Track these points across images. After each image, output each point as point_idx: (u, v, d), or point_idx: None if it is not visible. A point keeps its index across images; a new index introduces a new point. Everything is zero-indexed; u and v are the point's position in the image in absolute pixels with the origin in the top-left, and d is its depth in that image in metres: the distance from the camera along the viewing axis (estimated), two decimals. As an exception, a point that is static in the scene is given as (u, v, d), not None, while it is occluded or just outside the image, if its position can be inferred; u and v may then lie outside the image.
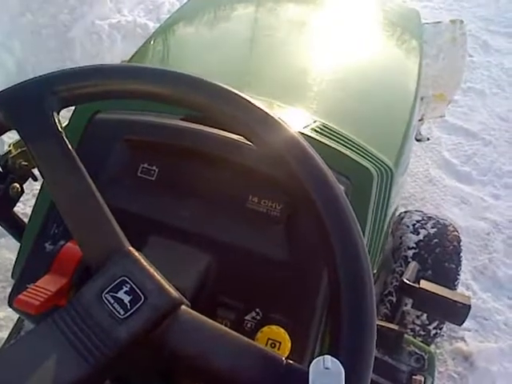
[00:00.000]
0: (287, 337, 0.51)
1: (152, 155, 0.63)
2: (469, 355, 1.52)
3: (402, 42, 1.24)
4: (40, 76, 0.49)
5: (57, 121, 0.47)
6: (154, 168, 0.62)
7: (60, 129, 0.47)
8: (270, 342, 0.52)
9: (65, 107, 0.50)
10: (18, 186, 0.79)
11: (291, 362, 0.39)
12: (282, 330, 0.52)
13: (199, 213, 0.60)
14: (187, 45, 1.08)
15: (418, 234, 1.28)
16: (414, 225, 1.31)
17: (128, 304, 0.41)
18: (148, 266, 0.43)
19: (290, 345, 0.51)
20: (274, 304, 0.56)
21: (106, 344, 0.39)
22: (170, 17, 1.31)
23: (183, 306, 0.42)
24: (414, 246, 1.26)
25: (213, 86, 0.49)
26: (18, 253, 0.66)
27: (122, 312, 0.40)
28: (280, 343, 0.51)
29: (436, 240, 1.27)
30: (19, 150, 0.79)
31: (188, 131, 0.62)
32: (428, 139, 1.93)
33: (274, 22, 1.18)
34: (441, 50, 1.74)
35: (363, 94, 0.91)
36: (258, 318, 0.55)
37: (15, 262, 0.65)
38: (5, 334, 1.43)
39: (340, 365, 0.36)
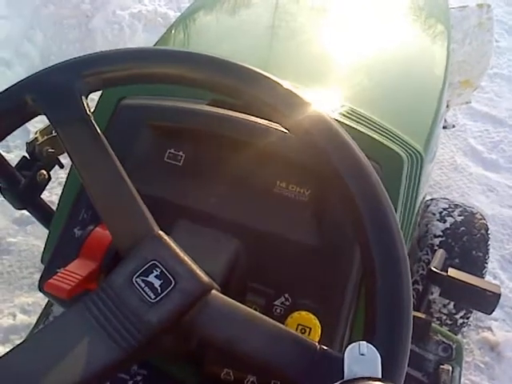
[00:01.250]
0: (317, 322, 0.51)
1: (178, 140, 0.62)
2: (495, 345, 1.50)
3: (430, 26, 1.21)
4: (68, 60, 0.49)
5: (85, 105, 0.47)
6: (181, 153, 0.62)
7: (89, 113, 0.46)
8: (300, 327, 0.51)
9: (93, 91, 0.50)
10: (44, 172, 0.79)
11: (325, 347, 0.39)
12: (312, 316, 0.51)
13: (227, 198, 0.60)
14: (210, 32, 1.07)
15: (445, 221, 1.26)
16: (440, 212, 1.29)
17: (158, 288, 0.40)
18: (178, 250, 0.42)
19: (320, 331, 0.51)
20: (304, 289, 0.55)
21: (137, 328, 0.39)
22: (192, 5, 1.30)
23: (213, 291, 0.42)
24: (441, 234, 1.24)
25: (248, 70, 0.48)
26: (47, 238, 0.67)
27: (152, 296, 0.40)
28: (310, 329, 0.51)
29: (463, 228, 1.25)
30: (45, 138, 0.79)
31: (214, 116, 0.62)
32: (454, 126, 1.90)
33: (296, 7, 1.16)
34: (467, 35, 1.70)
35: (391, 80, 0.90)
36: (288, 303, 0.55)
37: (44, 248, 0.66)
38: (33, 320, 1.46)
39: (376, 351, 0.36)
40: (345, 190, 0.43)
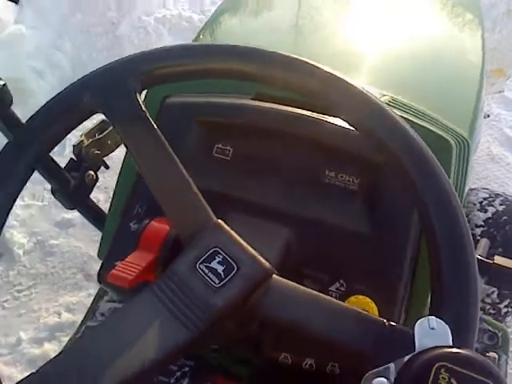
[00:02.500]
0: (374, 306, 0.51)
1: (226, 135, 0.64)
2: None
3: (462, 14, 1.20)
4: (122, 58, 0.51)
5: (140, 102, 0.49)
6: (229, 147, 0.63)
7: (144, 109, 0.48)
8: None
9: (146, 88, 0.52)
10: (92, 173, 0.81)
11: (393, 323, 0.39)
12: (370, 300, 0.52)
13: (277, 189, 0.61)
14: (243, 30, 1.08)
15: (486, 211, 1.24)
16: (480, 202, 1.27)
17: (222, 274, 0.42)
18: (238, 237, 0.44)
19: (377, 314, 0.51)
20: (358, 275, 0.56)
21: (204, 312, 0.40)
22: (219, 6, 1.31)
23: (275, 276, 0.43)
24: (482, 224, 1.22)
25: (306, 64, 0.49)
26: (103, 234, 0.69)
27: (216, 281, 0.41)
28: (368, 312, 0.51)
29: (505, 217, 1.23)
30: (90, 140, 0.81)
31: (260, 110, 0.63)
32: (488, 116, 1.87)
33: (321, 1, 1.16)
34: (496, 23, 1.68)
35: (430, 67, 0.89)
36: (343, 289, 0.56)
37: (101, 242, 0.68)
38: (77, 318, 1.51)
39: (445, 325, 0.36)
40: (417, 193, 0.44)
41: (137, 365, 0.38)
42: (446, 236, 0.41)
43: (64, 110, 0.50)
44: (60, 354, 0.40)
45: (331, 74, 0.49)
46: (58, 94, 0.51)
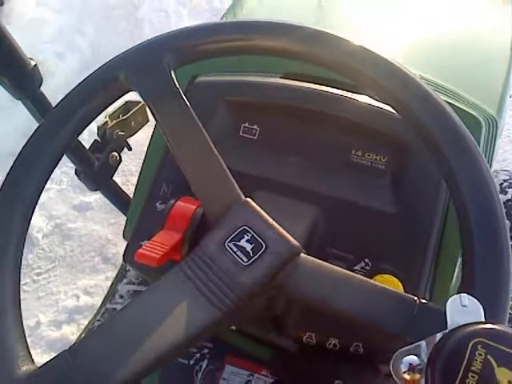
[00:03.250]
0: (400, 285, 0.51)
1: (253, 115, 0.64)
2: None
3: None
4: (156, 36, 0.51)
5: (174, 78, 0.49)
6: (256, 127, 0.64)
7: (178, 86, 0.48)
8: None
9: (182, 65, 0.51)
10: (116, 154, 0.83)
11: (424, 301, 0.39)
12: (395, 279, 0.52)
13: (303, 168, 0.61)
14: (269, 9, 1.06)
15: (506, 193, 1.24)
16: (501, 184, 1.26)
17: (250, 252, 0.42)
18: (266, 216, 0.44)
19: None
20: (383, 254, 0.56)
21: (233, 290, 0.41)
22: None
23: (302, 254, 0.43)
24: (503, 205, 1.22)
25: (345, 42, 0.49)
26: (128, 214, 0.70)
27: (245, 259, 0.42)
28: None
29: (525, 199, 1.22)
30: (115, 121, 0.82)
31: (287, 88, 0.63)
32: (511, 96, 1.83)
33: None
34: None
35: (458, 46, 0.88)
36: (368, 268, 0.56)
37: (126, 223, 0.69)
38: (95, 301, 1.53)
39: (478, 302, 0.36)
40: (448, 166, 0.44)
41: (167, 343, 0.39)
42: (479, 214, 0.40)
43: (98, 89, 0.50)
44: (91, 332, 0.41)
45: (371, 51, 0.49)
46: (92, 73, 0.51)
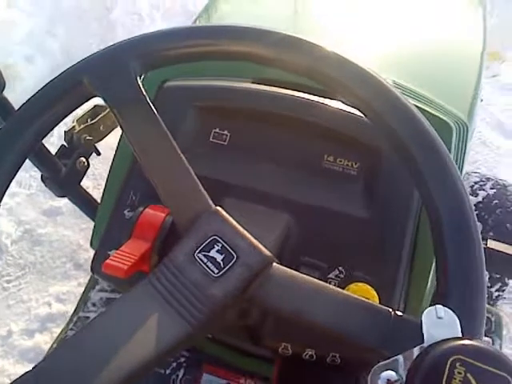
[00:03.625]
0: (375, 293, 0.51)
1: (223, 120, 0.63)
2: (531, 318, 1.48)
3: None
4: (122, 41, 0.49)
5: (141, 85, 0.47)
6: (226, 132, 0.63)
7: (144, 93, 0.47)
8: None
9: (148, 70, 0.50)
10: (84, 160, 0.81)
11: (400, 313, 0.39)
12: (370, 287, 0.51)
13: (274, 174, 0.60)
14: (242, 14, 1.06)
15: (477, 195, 1.25)
16: (472, 186, 1.27)
17: (221, 263, 0.41)
18: (237, 225, 0.43)
19: (378, 302, 0.51)
20: (357, 262, 0.55)
21: (203, 303, 0.40)
22: None
23: (275, 264, 0.42)
24: (474, 207, 1.23)
25: (317, 47, 0.48)
26: (95, 222, 0.68)
27: (215, 270, 0.41)
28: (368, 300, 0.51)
29: (496, 201, 1.24)
30: (82, 126, 0.80)
31: (258, 93, 0.62)
32: (481, 100, 1.86)
33: None
34: (494, 7, 1.67)
35: (429, 52, 0.88)
36: (342, 276, 0.55)
37: (93, 232, 0.67)
38: (68, 308, 1.50)
39: (453, 314, 0.35)
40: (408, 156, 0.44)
41: (136, 359, 0.37)
42: (451, 223, 0.40)
43: (61, 93, 0.49)
44: (56, 349, 0.39)
45: (342, 56, 0.48)
46: (55, 77, 0.49)
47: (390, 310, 0.39)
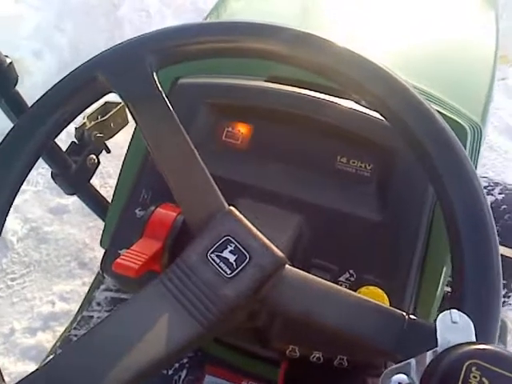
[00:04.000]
0: (386, 297, 0.51)
1: (237, 118, 0.62)
2: (536, 324, 1.47)
3: (476, 1, 1.18)
4: (139, 36, 0.49)
5: (156, 81, 0.47)
6: (239, 131, 0.62)
7: (160, 89, 0.47)
8: None
9: (164, 66, 0.49)
10: (94, 157, 0.81)
11: (413, 317, 0.38)
12: (381, 291, 0.51)
13: (287, 175, 0.60)
14: (253, 11, 1.05)
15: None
16: (480, 191, 1.26)
17: (234, 263, 0.41)
18: (250, 226, 0.43)
19: (389, 305, 0.50)
20: (368, 265, 0.55)
21: (215, 303, 0.40)
22: None
23: (287, 265, 0.42)
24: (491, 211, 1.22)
25: (331, 44, 0.48)
26: (106, 221, 0.68)
27: (228, 271, 0.40)
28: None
29: (504, 206, 1.23)
30: (93, 123, 0.80)
31: (272, 92, 0.62)
32: (490, 103, 1.86)
33: None
34: (504, 9, 1.66)
35: (443, 53, 0.88)
36: (353, 279, 0.55)
37: (103, 231, 0.67)
38: (72, 307, 1.50)
39: (468, 318, 0.35)
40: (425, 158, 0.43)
41: (146, 359, 0.37)
42: (468, 223, 0.40)
43: (76, 88, 0.48)
44: (66, 348, 0.40)
45: (358, 54, 0.48)
46: (69, 73, 0.49)
47: (404, 313, 0.39)
